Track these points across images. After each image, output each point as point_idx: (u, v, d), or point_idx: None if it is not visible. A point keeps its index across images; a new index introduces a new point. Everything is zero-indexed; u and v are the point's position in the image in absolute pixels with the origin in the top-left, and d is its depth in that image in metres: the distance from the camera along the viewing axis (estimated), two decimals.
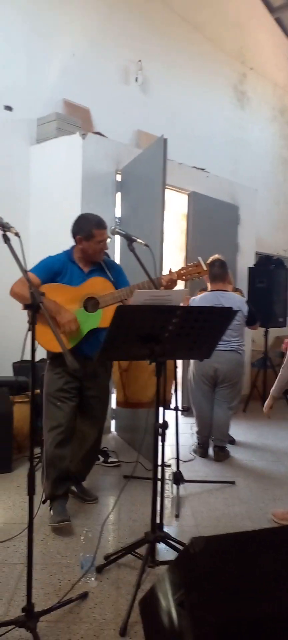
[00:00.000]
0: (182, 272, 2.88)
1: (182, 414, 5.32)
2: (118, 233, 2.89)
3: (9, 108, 4.86)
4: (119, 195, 4.91)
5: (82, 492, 3.29)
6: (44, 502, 2.85)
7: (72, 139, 4.67)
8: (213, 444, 4.33)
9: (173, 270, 2.90)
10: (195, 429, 4.46)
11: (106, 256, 3.15)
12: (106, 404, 3.26)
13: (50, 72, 5.21)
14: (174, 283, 2.87)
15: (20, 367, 4.33)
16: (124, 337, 2.14)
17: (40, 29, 5.12)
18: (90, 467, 3.35)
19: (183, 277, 2.89)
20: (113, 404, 4.78)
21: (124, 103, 5.93)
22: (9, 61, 4.88)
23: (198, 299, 4.27)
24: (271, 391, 3.22)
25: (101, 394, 3.15)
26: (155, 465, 2.40)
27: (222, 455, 4.26)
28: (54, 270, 2.93)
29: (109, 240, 3.04)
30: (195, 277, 2.89)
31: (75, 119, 5.02)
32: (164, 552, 2.57)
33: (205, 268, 2.87)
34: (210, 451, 4.36)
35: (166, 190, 3.98)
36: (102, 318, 2.88)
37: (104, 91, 5.71)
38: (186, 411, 5.34)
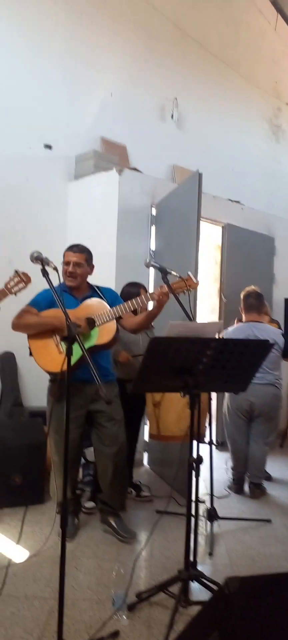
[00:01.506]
0: (174, 285, 2.88)
1: (217, 448, 5.22)
2: (153, 266, 2.93)
3: (48, 147, 5.05)
4: (153, 228, 4.97)
5: (120, 528, 3.17)
6: (57, 512, 3.13)
7: (109, 175, 4.79)
8: (248, 480, 4.21)
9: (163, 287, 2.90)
10: (230, 464, 4.35)
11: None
12: (121, 423, 3.17)
13: (88, 111, 5.40)
14: (166, 296, 2.87)
15: None
16: (157, 369, 2.13)
17: (79, 70, 5.33)
18: (122, 493, 3.25)
19: (175, 291, 2.88)
20: (146, 436, 4.75)
21: (160, 139, 6.05)
22: (49, 101, 5.10)
23: (231, 331, 4.22)
24: None
25: (112, 412, 3.11)
26: (189, 501, 2.35)
27: (258, 492, 4.13)
28: (48, 298, 3.00)
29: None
30: (186, 290, 2.88)
31: (112, 156, 5.15)
32: (198, 591, 2.49)
33: (195, 281, 2.88)
34: (246, 488, 4.23)
35: (200, 223, 4.01)
36: (99, 335, 2.94)
37: (141, 128, 5.84)
38: (221, 445, 5.22)
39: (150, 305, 3.16)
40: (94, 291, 3.18)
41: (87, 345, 2.91)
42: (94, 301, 3.06)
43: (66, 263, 3.10)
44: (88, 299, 3.10)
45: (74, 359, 2.83)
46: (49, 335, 2.97)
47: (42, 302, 3.04)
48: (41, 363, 2.98)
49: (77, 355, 2.82)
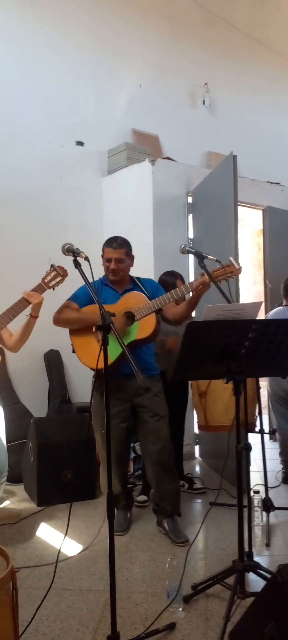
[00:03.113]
0: (214, 273, 2.79)
1: (270, 438, 5.07)
2: (188, 251, 2.87)
3: (80, 143, 5.11)
4: (191, 216, 4.90)
5: (172, 532, 3.02)
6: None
7: (142, 167, 4.77)
8: None
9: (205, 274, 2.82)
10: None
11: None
12: (165, 419, 3.09)
13: (118, 105, 5.39)
14: (207, 286, 2.79)
15: None
16: (197, 355, 2.08)
17: (106, 65, 5.34)
18: (174, 496, 3.10)
19: (215, 279, 2.79)
20: (196, 428, 4.69)
21: (193, 126, 5.96)
22: (79, 99, 5.14)
23: (271, 314, 4.08)
24: None
25: (156, 407, 3.05)
26: (240, 491, 2.27)
27: None
28: (88, 293, 2.93)
29: None
30: (229, 277, 2.79)
31: (144, 147, 5.13)
32: (255, 582, 2.42)
33: (237, 267, 2.77)
34: None
35: (240, 207, 3.92)
36: (139, 329, 2.91)
37: (172, 117, 5.78)
38: (273, 434, 5.07)
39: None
40: (134, 283, 3.16)
41: (127, 340, 2.89)
42: (133, 295, 3.04)
43: (107, 260, 3.09)
44: (129, 291, 3.09)
45: (115, 355, 2.84)
46: (90, 332, 2.98)
47: (82, 296, 3.06)
48: (83, 360, 3.00)
49: (118, 351, 2.82)
